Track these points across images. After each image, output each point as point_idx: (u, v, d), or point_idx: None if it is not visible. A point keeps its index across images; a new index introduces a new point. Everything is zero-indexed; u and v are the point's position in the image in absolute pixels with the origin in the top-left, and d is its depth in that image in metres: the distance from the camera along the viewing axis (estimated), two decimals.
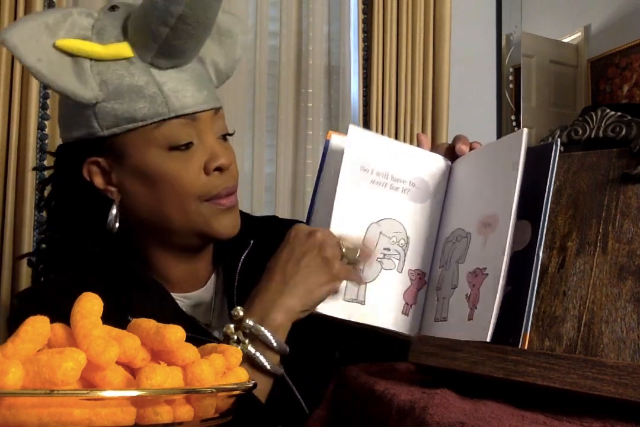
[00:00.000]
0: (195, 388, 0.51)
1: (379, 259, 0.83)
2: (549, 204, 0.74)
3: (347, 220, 0.83)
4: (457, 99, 2.06)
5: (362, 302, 0.82)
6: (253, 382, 0.56)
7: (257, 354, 0.76)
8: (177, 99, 0.84)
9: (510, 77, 2.24)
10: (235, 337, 0.77)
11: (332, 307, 0.81)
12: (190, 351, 0.54)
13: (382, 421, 0.68)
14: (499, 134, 2.23)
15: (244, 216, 1.02)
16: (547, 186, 0.74)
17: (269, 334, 0.77)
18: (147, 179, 0.86)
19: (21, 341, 0.49)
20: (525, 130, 0.78)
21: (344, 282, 0.82)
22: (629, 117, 0.79)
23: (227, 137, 0.92)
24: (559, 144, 0.76)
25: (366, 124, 1.99)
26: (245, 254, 0.96)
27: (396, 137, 1.98)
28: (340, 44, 2.02)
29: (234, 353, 0.58)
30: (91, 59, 0.84)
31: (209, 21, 0.82)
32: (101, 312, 0.54)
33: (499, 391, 0.64)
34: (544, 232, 0.73)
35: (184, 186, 0.85)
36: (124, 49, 0.84)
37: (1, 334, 1.53)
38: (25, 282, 1.60)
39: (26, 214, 1.61)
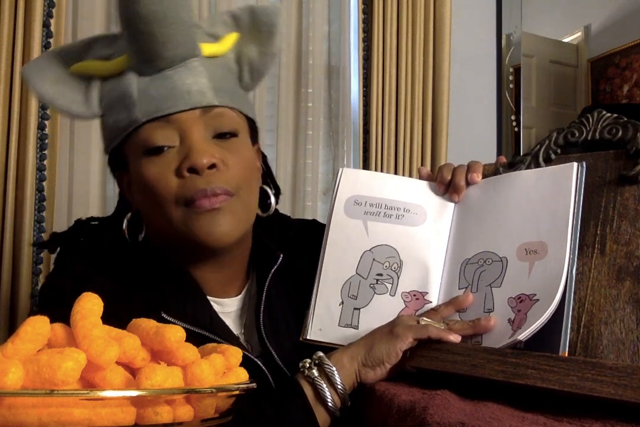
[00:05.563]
0: (195, 388, 0.51)
1: (371, 285, 0.86)
2: (578, 228, 0.75)
3: (340, 250, 0.88)
4: (457, 99, 2.06)
5: (356, 327, 0.84)
6: (253, 382, 0.57)
7: (323, 384, 0.77)
8: (148, 103, 0.81)
9: (510, 77, 2.24)
10: (307, 364, 0.79)
11: (328, 334, 0.85)
12: (190, 351, 0.54)
13: (382, 421, 0.68)
14: (499, 134, 2.23)
15: (283, 221, 1.01)
16: (574, 209, 0.76)
17: (333, 368, 0.77)
18: (139, 186, 0.85)
19: (21, 341, 0.49)
20: (575, 164, 0.79)
21: (339, 309, 0.85)
22: (625, 119, 0.79)
23: (232, 137, 0.85)
24: (584, 166, 0.78)
25: (366, 124, 1.99)
26: (274, 269, 0.93)
27: (396, 138, 1.98)
28: (340, 44, 2.01)
29: (234, 353, 0.58)
30: (102, 78, 0.85)
31: (164, 16, 0.77)
32: (101, 312, 0.54)
33: (500, 393, 0.64)
34: (576, 256, 0.74)
35: (161, 191, 0.81)
36: (122, 61, 0.83)
37: (1, 334, 1.53)
38: (25, 281, 1.60)
39: (26, 214, 1.61)
